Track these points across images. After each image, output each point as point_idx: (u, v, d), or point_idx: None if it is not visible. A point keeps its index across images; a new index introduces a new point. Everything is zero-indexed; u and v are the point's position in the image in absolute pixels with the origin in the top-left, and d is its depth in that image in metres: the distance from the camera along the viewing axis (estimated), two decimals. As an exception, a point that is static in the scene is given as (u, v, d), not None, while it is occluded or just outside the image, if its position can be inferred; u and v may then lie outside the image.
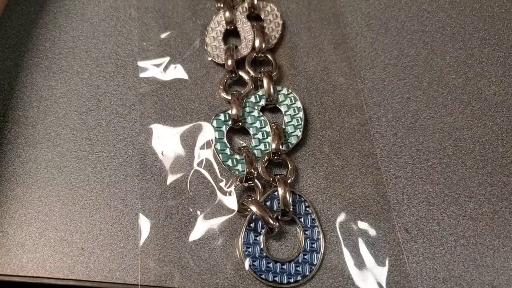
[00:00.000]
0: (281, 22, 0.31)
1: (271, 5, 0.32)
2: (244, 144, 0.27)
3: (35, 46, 0.30)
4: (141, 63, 0.29)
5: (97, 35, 0.31)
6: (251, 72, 0.29)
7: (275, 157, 0.26)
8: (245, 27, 0.30)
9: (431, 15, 0.32)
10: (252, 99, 0.28)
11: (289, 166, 0.26)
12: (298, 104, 0.28)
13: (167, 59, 0.29)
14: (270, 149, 0.26)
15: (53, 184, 0.26)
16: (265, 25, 0.31)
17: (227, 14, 0.30)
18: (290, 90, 0.28)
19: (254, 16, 0.32)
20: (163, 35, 0.30)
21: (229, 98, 0.28)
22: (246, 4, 0.31)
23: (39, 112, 0.28)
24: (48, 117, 0.28)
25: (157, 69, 0.29)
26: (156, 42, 0.30)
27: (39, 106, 0.28)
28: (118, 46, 0.30)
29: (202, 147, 0.27)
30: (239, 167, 0.26)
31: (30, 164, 0.27)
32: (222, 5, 0.31)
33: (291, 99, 0.28)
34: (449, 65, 0.30)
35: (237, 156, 0.26)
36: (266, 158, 0.26)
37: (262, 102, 0.28)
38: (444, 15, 0.32)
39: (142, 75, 0.29)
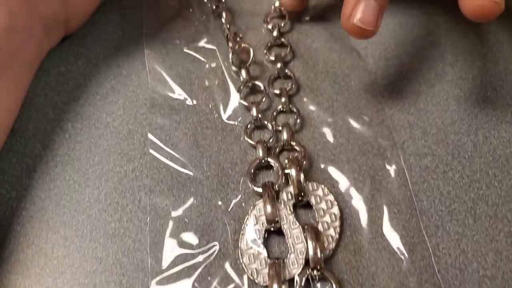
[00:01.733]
0: (338, 213, 0.24)
1: (323, 187, 0.24)
2: None
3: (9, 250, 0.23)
4: (154, 290, 0.21)
5: (96, 236, 0.23)
6: (305, 304, 0.21)
7: None
8: (293, 231, 0.22)
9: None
10: None
11: None
12: None
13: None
14: None
15: None
16: (317, 219, 0.23)
17: (269, 209, 0.23)
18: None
19: (302, 205, 0.24)
20: (180, 251, 0.22)
21: None
22: (291, 189, 0.24)
23: None
24: None
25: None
26: (175, 244, 0.23)
27: None
28: (123, 252, 0.23)
29: None
30: None
31: None
32: (261, 190, 0.24)
33: None
34: None
35: None
36: None
37: None
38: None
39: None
